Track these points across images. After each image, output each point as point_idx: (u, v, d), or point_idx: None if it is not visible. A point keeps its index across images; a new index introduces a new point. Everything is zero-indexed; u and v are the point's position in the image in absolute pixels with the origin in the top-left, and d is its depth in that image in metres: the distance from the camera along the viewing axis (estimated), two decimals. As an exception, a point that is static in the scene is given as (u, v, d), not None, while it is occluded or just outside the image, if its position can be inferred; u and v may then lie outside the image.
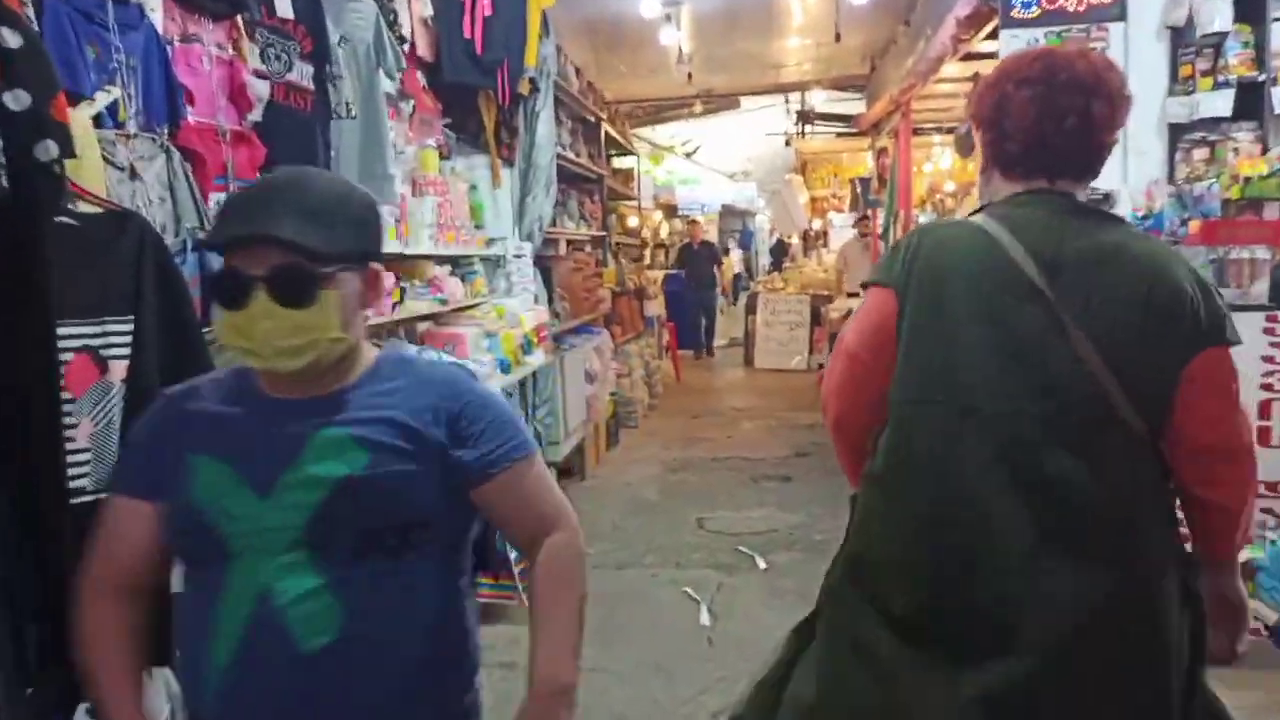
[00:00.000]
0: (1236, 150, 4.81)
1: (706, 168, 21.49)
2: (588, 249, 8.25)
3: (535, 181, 5.78)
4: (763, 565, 4.75)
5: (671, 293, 12.77)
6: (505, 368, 4.85)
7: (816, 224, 16.90)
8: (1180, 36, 5.09)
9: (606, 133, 9.59)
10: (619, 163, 10.55)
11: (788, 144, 13.85)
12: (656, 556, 4.93)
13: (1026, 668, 1.58)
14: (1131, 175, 5.19)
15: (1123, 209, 4.75)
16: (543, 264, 6.49)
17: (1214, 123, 4.95)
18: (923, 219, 16.18)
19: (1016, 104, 1.71)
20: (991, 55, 6.57)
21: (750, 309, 13.38)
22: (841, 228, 17.02)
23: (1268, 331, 3.50)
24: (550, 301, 6.38)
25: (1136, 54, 5.17)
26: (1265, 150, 4.81)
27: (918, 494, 1.67)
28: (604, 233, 8.57)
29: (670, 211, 20.60)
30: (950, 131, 13.00)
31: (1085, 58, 1.77)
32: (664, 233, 20.14)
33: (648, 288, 10.96)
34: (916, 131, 11.60)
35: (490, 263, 5.48)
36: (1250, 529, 1.77)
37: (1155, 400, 1.63)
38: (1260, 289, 3.48)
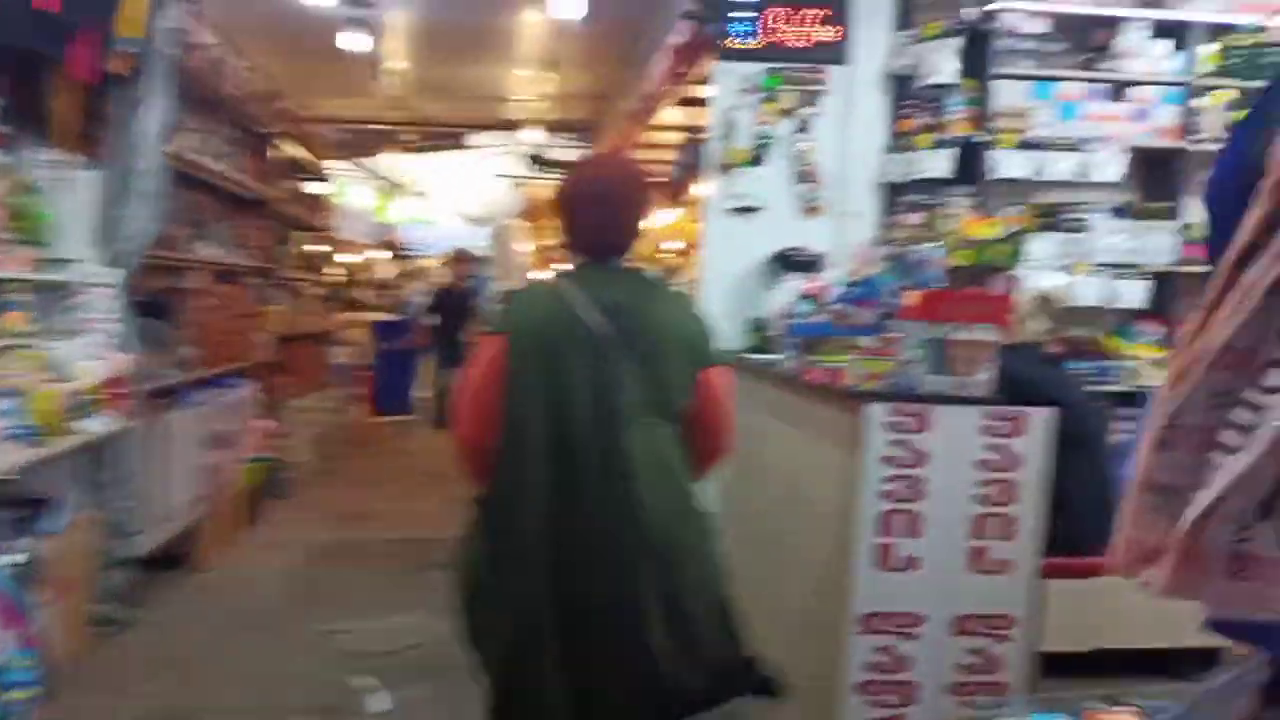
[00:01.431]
0: (953, 218, 4.29)
1: (441, 209, 20.38)
2: (250, 281, 6.89)
3: (133, 191, 4.44)
4: (382, 706, 3.62)
5: (386, 341, 11.35)
6: (34, 438, 3.50)
7: (543, 275, 16.13)
8: (902, 87, 4.56)
9: (294, 155, 8.28)
10: (312, 188, 9.22)
11: (512, 187, 12.98)
12: (237, 696, 3.68)
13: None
14: (843, 238, 4.57)
15: (834, 273, 4.10)
16: (161, 299, 5.12)
17: (931, 184, 4.42)
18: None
19: (580, 215, 2.35)
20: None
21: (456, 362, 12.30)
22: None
23: (990, 431, 2.81)
24: (167, 347, 5.02)
25: (856, 102, 4.58)
26: (981, 219, 4.32)
27: (536, 477, 2.21)
28: (270, 265, 7.24)
29: (393, 251, 19.24)
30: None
31: (624, 178, 2.42)
32: (386, 273, 18.76)
33: (337, 333, 9.62)
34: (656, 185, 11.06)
35: (48, 292, 4.09)
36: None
37: (682, 402, 2.29)
38: (981, 379, 2.79)
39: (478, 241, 19.03)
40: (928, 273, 3.08)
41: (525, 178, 12.64)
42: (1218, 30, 4.41)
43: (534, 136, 9.51)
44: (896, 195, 4.52)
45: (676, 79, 5.52)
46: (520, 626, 2.20)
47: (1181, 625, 3.99)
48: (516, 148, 12.64)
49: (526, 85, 8.72)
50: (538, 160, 12.65)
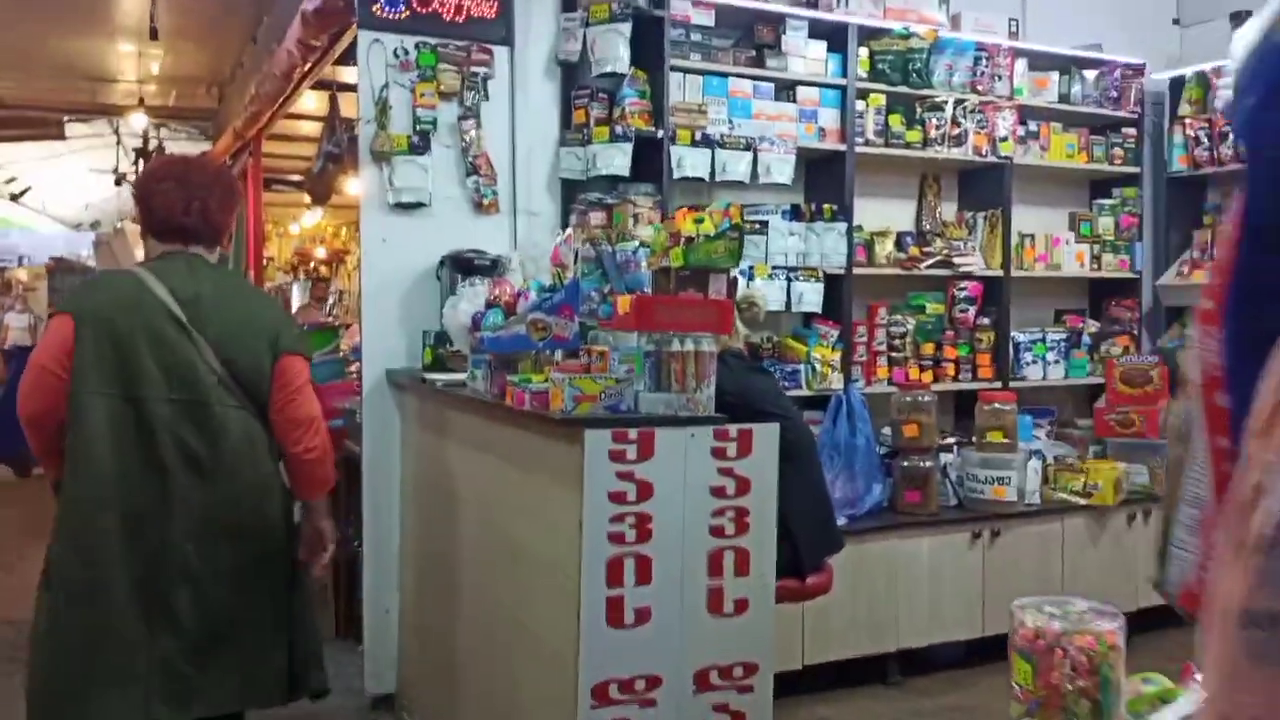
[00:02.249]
0: (637, 217, 3.95)
1: (39, 213, 17.40)
2: None
3: None
4: None
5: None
6: None
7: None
8: (574, 74, 4.14)
9: None
10: None
11: (119, 183, 11.16)
12: None
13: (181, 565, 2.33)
14: (523, 238, 4.07)
15: (515, 277, 3.59)
16: None
17: (611, 181, 4.05)
18: (296, 290, 14.46)
19: (159, 195, 2.43)
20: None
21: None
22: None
23: (718, 454, 2.43)
24: None
25: (525, 89, 4.10)
26: (664, 218, 4.01)
27: (99, 465, 2.29)
28: None
29: (-25, 261, 16.17)
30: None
31: (205, 164, 2.72)
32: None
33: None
34: (277, 183, 9.93)
35: None
36: (326, 482, 2.65)
37: (258, 388, 2.42)
38: (706, 395, 2.41)
39: (81, 250, 16.48)
40: (634, 275, 2.65)
41: (134, 173, 10.95)
42: (871, 34, 4.42)
43: (141, 123, 8.12)
44: (576, 192, 4.09)
45: (311, 53, 4.74)
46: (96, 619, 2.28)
47: (885, 633, 3.97)
48: (123, 139, 10.92)
49: (130, 63, 7.38)
50: (145, 155, 11.00)
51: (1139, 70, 4.95)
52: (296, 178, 10.35)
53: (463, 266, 3.86)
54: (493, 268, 3.87)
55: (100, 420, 2.27)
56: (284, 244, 12.65)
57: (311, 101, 6.33)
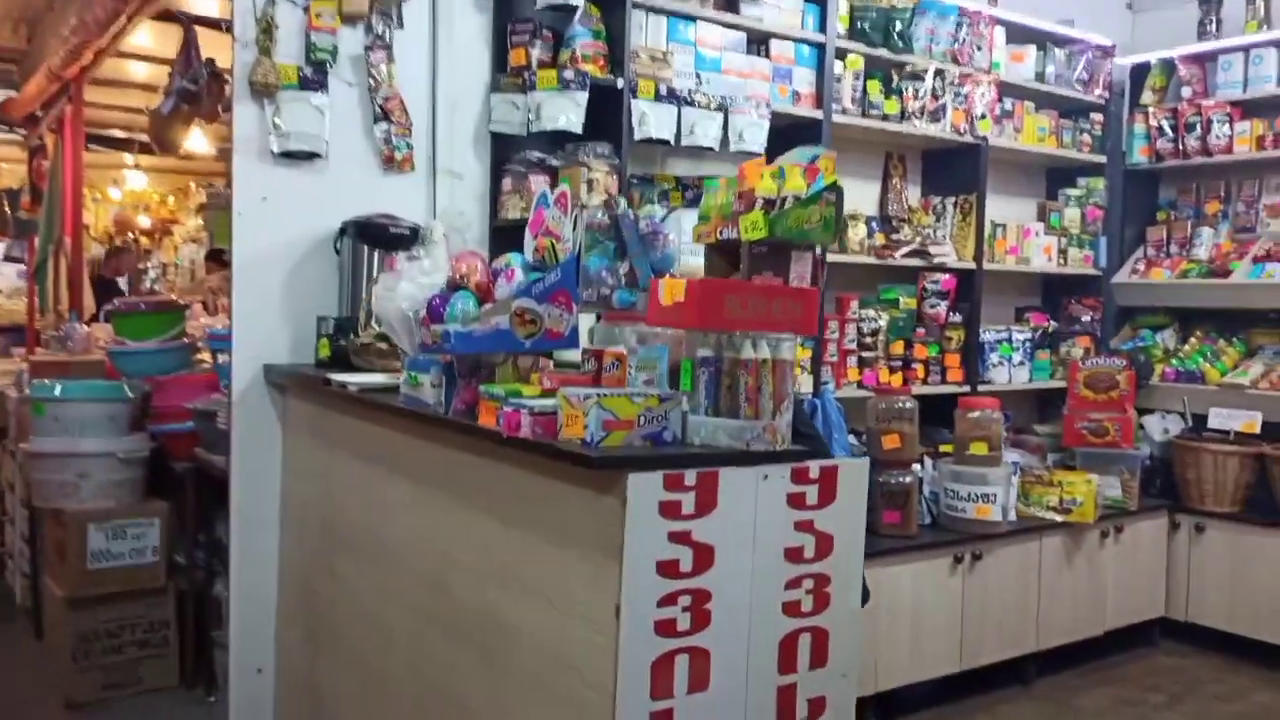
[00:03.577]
0: (592, 183, 3.17)
1: None
2: None
3: None
4: None
5: None
6: None
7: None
8: (510, 6, 3.31)
9: None
10: None
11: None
12: None
13: None
14: (444, 204, 3.23)
15: (437, 251, 2.77)
16: None
17: (554, 139, 3.26)
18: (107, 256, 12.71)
19: None
20: (214, 24, 4.16)
21: None
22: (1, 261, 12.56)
23: (795, 502, 1.71)
24: None
25: (449, 18, 3.25)
26: (623, 187, 3.25)
27: None
28: None
29: None
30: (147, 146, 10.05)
31: None
32: None
33: None
34: (98, 140, 8.50)
35: None
36: None
37: None
38: (786, 421, 1.68)
39: None
40: (665, 252, 1.90)
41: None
42: (850, -13, 3.80)
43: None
44: (510, 151, 3.28)
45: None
46: None
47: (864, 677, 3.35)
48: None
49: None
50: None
51: (1109, 52, 4.54)
52: (119, 133, 8.92)
53: (372, 236, 2.99)
54: (411, 239, 3.01)
55: None
56: (101, 210, 11.04)
57: (146, 38, 5.19)
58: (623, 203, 2.03)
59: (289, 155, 2.99)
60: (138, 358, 4.02)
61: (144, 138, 9.52)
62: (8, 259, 9.64)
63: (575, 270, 1.95)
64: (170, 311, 4.18)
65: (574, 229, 2.01)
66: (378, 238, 2.97)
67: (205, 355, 4.27)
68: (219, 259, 10.03)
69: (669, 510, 1.60)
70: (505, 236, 3.16)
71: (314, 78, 3.01)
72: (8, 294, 10.81)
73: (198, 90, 3.49)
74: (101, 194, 10.95)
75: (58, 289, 5.73)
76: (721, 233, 1.76)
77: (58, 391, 3.69)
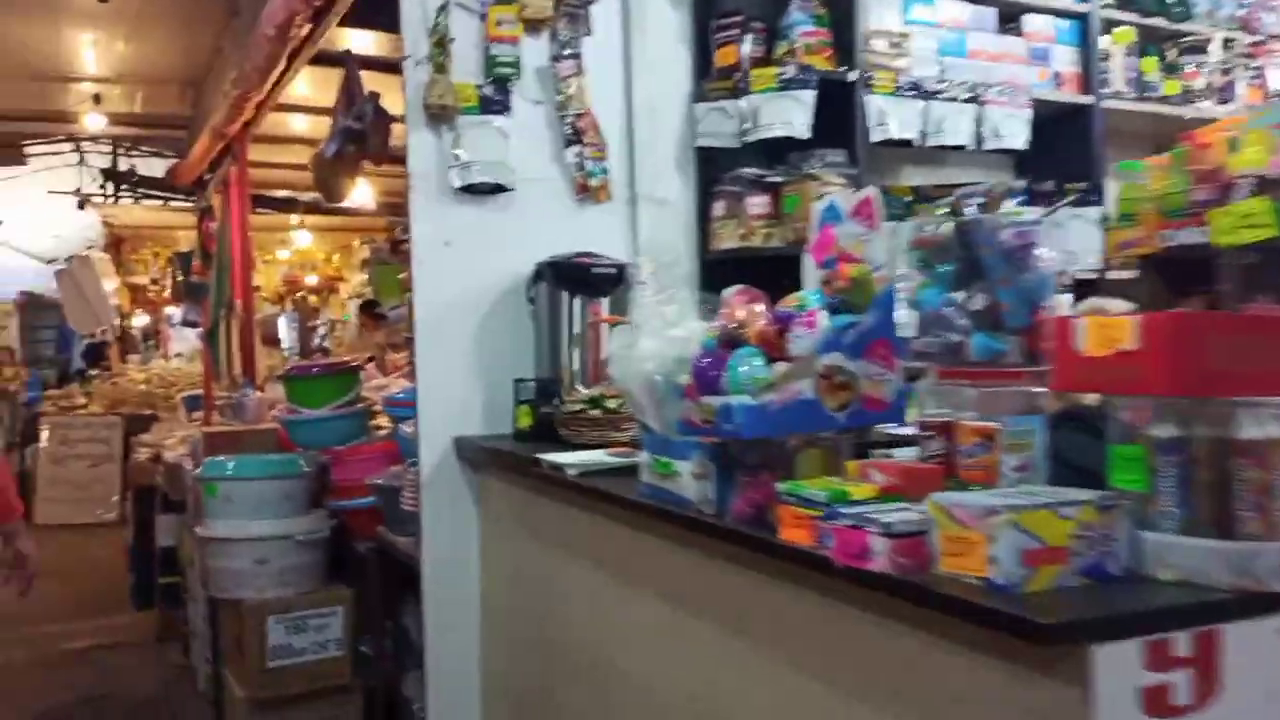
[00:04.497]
0: (824, 197, 2.54)
1: (5, 244, 15.77)
2: None
3: None
4: None
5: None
6: None
7: (142, 320, 12.61)
8: (710, 1, 2.75)
9: None
10: None
11: (82, 206, 9.60)
12: None
13: None
14: (646, 237, 2.66)
15: (647, 295, 2.20)
16: None
17: (772, 151, 2.66)
18: (282, 319, 12.88)
19: None
20: (376, 64, 3.77)
21: (29, 437, 8.87)
22: (180, 326, 12.93)
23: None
24: None
25: (642, 20, 2.70)
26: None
27: None
28: None
29: (-68, 299, 14.55)
30: (312, 205, 10.05)
31: None
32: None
33: None
34: (265, 201, 8.45)
35: None
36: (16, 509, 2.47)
37: None
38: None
39: (50, 282, 14.85)
40: (1040, 276, 1.26)
41: (104, 198, 9.43)
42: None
43: (98, 123, 6.65)
44: (719, 169, 2.70)
45: (311, 12, 3.32)
46: None
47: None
48: (86, 158, 9.41)
49: (87, 53, 5.92)
50: (120, 175, 9.49)
51: None
52: (284, 193, 8.88)
53: (572, 279, 2.45)
54: (617, 279, 2.46)
55: None
56: (270, 271, 11.15)
57: (305, 88, 4.91)
58: (973, 207, 1.40)
59: (470, 190, 2.49)
60: (312, 426, 3.62)
61: (308, 196, 9.53)
62: (185, 323, 9.80)
63: (890, 311, 1.34)
64: (344, 374, 3.77)
65: (886, 249, 1.39)
66: (578, 281, 2.43)
67: (381, 419, 3.85)
68: (373, 312, 9.94)
69: (1154, 702, 0.94)
70: (719, 272, 2.57)
71: (496, 97, 2.51)
72: (188, 357, 11.03)
73: (362, 129, 3.08)
74: (271, 255, 11.06)
75: (230, 353, 5.50)
76: (1168, 238, 1.11)
77: (230, 469, 3.31)
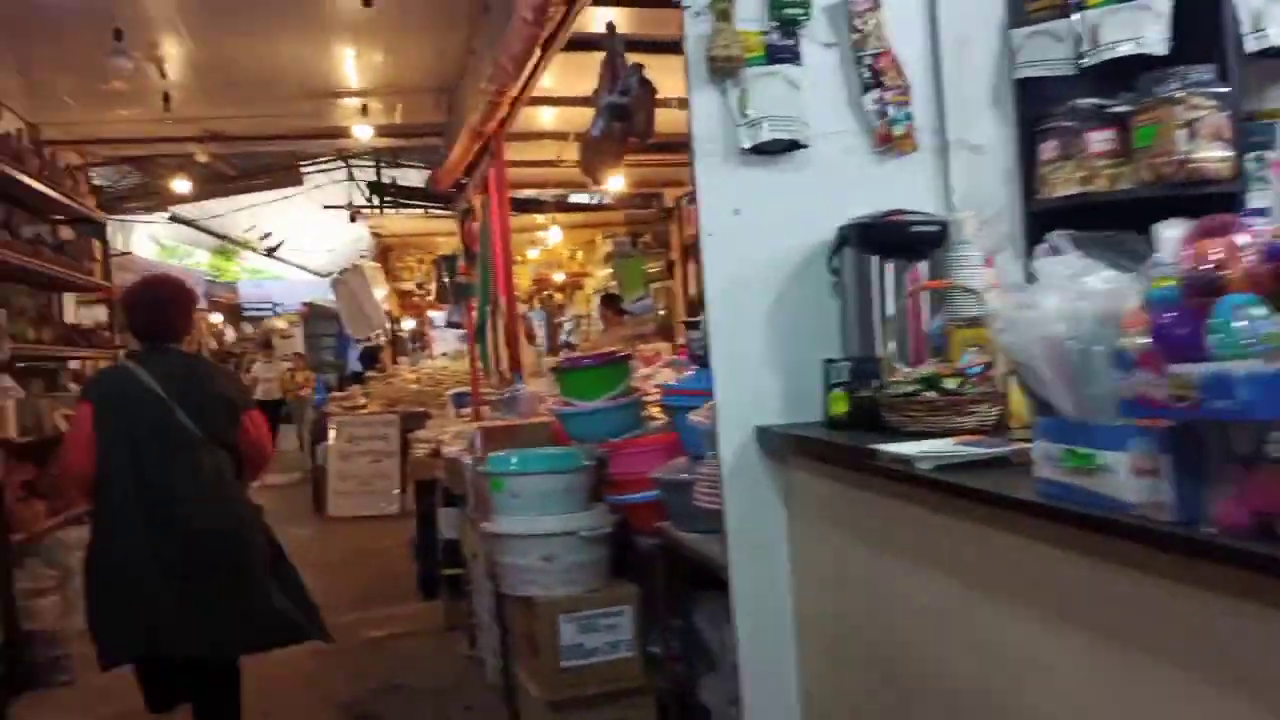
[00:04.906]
0: (1193, 126, 2.06)
1: (292, 265, 17.32)
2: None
3: None
4: None
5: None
6: None
7: (410, 323, 13.38)
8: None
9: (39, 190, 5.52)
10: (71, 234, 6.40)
11: (353, 219, 10.23)
12: None
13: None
14: (961, 190, 2.28)
15: (970, 253, 1.83)
16: None
17: (1113, 77, 2.20)
18: (536, 319, 13.25)
19: (133, 303, 3.36)
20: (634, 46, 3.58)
21: (319, 435, 9.55)
22: (443, 328, 13.63)
23: None
24: None
25: (944, -60, 2.31)
26: (1236, 120, 2.10)
27: (120, 494, 3.06)
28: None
29: (234, 314, 16.17)
30: (561, 202, 10.22)
31: (164, 284, 3.47)
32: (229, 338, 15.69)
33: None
34: (518, 205, 8.61)
35: None
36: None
37: (227, 436, 3.20)
38: None
39: (328, 293, 16.15)
40: None
41: (368, 207, 10.01)
42: None
43: (366, 134, 6.96)
44: (1044, 104, 2.27)
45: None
46: (128, 583, 3.04)
47: None
48: (354, 174, 10.03)
49: (350, 67, 6.17)
50: (379, 189, 10.05)
51: None
52: (530, 193, 9.03)
53: (885, 242, 2.11)
54: (938, 238, 2.10)
55: (117, 471, 3.07)
56: (522, 271, 11.46)
57: (551, 80, 4.82)
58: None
59: (760, 150, 2.21)
60: (587, 419, 3.49)
61: (556, 193, 9.68)
62: (449, 325, 10.26)
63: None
64: (616, 365, 3.62)
65: None
66: (892, 243, 2.09)
67: (653, 411, 3.68)
68: (614, 306, 9.96)
69: None
70: (1048, 224, 2.14)
71: (783, 44, 2.21)
72: (452, 357, 11.55)
73: (628, 104, 2.89)
74: (521, 256, 11.38)
75: (497, 349, 5.56)
76: None
77: (514, 463, 3.23)
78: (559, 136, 6.18)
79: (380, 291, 10.48)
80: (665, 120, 3.66)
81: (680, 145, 2.41)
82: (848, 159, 2.27)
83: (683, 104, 2.26)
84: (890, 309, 2.09)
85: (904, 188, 2.26)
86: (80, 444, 3.11)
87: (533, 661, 3.20)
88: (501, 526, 3.20)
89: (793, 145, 2.22)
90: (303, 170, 9.63)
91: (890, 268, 2.10)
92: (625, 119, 2.97)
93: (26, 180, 5.43)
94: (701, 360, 2.95)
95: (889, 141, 2.27)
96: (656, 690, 3.12)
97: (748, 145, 2.19)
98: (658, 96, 3.22)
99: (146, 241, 12.67)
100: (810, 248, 2.23)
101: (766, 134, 2.18)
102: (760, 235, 2.22)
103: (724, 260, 2.21)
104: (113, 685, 4.29)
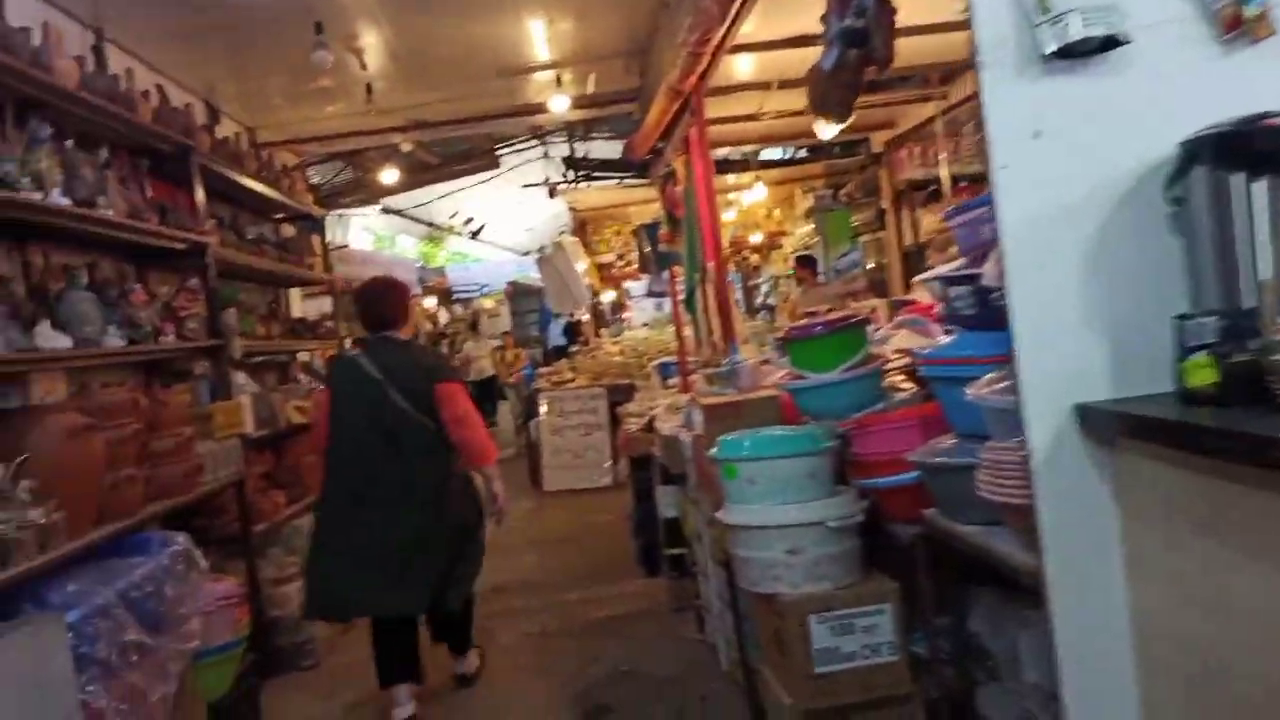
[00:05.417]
0: None
1: (494, 245, 17.70)
2: (180, 368, 4.24)
3: None
4: None
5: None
6: None
7: (609, 296, 13.30)
8: None
9: (255, 189, 5.65)
10: (294, 231, 6.57)
11: (552, 195, 10.14)
12: None
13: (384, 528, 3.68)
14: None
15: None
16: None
17: None
18: (731, 279, 12.82)
19: (359, 299, 4.05)
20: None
21: (530, 411, 9.58)
22: (640, 298, 13.47)
23: None
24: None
25: None
26: None
27: (343, 469, 3.80)
28: (216, 342, 4.58)
29: (445, 297, 16.65)
30: (757, 160, 9.71)
31: (385, 283, 4.12)
32: (442, 320, 16.19)
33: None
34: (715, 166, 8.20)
35: None
36: (489, 456, 3.97)
37: (432, 411, 3.77)
38: None
39: (530, 271, 16.37)
40: None
41: (564, 183, 9.88)
42: None
43: (563, 105, 6.73)
44: None
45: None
46: (319, 547, 3.82)
47: None
48: (549, 151, 9.92)
49: (540, 39, 5.94)
50: (574, 163, 9.90)
51: None
52: (724, 151, 8.60)
53: (1256, 156, 1.57)
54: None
55: (344, 445, 3.79)
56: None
57: (749, 25, 4.37)
58: None
59: (1066, 54, 1.71)
60: (823, 392, 3.08)
61: (749, 149, 9.20)
62: (650, 294, 10.03)
63: None
64: (852, 330, 3.18)
65: None
66: (1267, 156, 1.55)
67: (896, 380, 3.22)
68: (809, 265, 9.38)
69: None
70: None
71: (1093, -85, 1.69)
72: (652, 327, 11.34)
73: (865, 26, 2.42)
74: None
75: (709, 318, 5.21)
76: None
77: (747, 447, 2.87)
78: (761, 86, 5.73)
79: (582, 265, 10.38)
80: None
81: (890, 82, 1.94)
82: (1182, 54, 1.73)
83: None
84: (1265, 243, 1.55)
85: (1262, 85, 1.69)
86: (321, 424, 3.91)
87: (780, 663, 2.85)
88: (738, 517, 2.85)
89: (1108, 44, 1.71)
90: (498, 153, 9.61)
91: (1262, 189, 1.56)
92: (862, 44, 2.51)
93: (247, 182, 5.55)
94: (967, 321, 2.48)
95: (1238, 26, 1.71)
96: (924, 697, 2.70)
97: (1052, 47, 1.69)
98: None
99: (361, 233, 13.19)
100: (1137, 174, 1.71)
101: (1077, 30, 1.68)
102: (1070, 162, 1.72)
103: (1024, 198, 1.73)
104: (354, 667, 4.35)
